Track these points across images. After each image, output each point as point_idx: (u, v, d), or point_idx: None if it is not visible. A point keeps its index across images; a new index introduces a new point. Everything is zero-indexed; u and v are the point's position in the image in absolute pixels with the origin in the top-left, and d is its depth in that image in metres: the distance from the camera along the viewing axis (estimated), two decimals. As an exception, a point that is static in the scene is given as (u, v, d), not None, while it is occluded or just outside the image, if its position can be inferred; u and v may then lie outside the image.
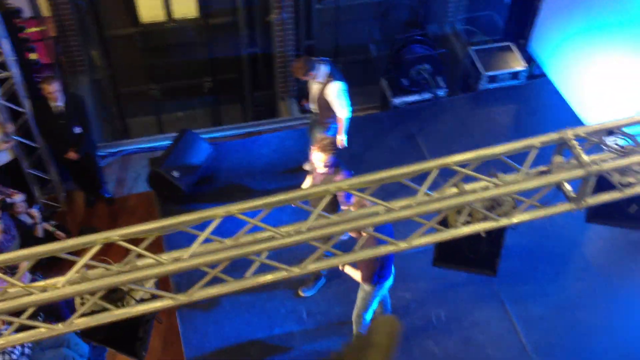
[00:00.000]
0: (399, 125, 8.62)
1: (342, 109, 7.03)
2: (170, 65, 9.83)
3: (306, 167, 7.87)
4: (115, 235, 3.33)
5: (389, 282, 5.87)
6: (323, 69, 6.91)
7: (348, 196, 5.87)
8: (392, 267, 5.81)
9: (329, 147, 5.98)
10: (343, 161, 7.80)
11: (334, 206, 6.02)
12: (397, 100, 8.93)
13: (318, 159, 6.04)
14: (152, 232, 3.41)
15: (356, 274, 5.69)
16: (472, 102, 9.06)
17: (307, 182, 6.54)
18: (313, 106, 7.31)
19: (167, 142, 8.09)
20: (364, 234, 3.73)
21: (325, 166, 6.05)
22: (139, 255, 3.42)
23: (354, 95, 9.10)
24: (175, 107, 10.31)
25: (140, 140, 9.28)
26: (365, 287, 5.79)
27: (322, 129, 7.26)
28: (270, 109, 10.22)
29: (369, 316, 6.05)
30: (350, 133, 7.53)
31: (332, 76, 6.95)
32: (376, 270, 5.57)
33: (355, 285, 6.80)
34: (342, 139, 7.22)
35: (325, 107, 7.06)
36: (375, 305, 6.00)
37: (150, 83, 9.65)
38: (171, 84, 9.91)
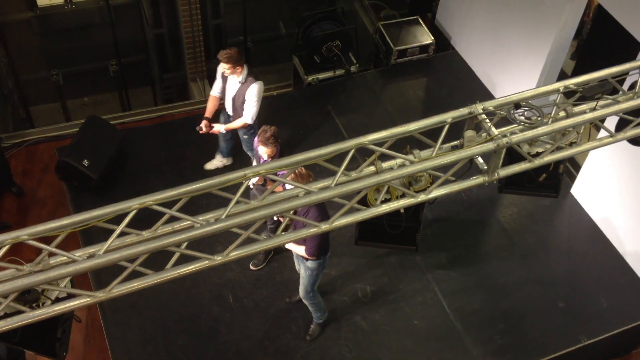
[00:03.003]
0: (314, 102, 8.62)
1: (251, 113, 6.80)
2: (72, 49, 9.41)
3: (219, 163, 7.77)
4: (24, 234, 3.19)
5: (327, 256, 5.83)
6: (246, 68, 6.72)
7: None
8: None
9: (271, 139, 5.86)
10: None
11: None
12: (311, 78, 8.91)
13: (263, 152, 5.96)
14: (63, 229, 3.28)
15: (300, 249, 5.58)
16: (384, 76, 9.16)
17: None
18: (227, 105, 7.02)
19: (74, 130, 7.77)
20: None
21: (270, 158, 5.97)
22: (52, 253, 3.29)
23: (267, 74, 9.02)
24: (80, 93, 9.92)
25: (45, 129, 8.90)
26: (309, 264, 5.72)
27: (243, 131, 7.12)
28: (181, 91, 9.98)
29: (316, 294, 6.06)
30: (266, 112, 7.47)
31: (252, 76, 6.72)
32: (320, 244, 5.50)
33: (279, 266, 6.83)
34: (219, 128, 7.02)
35: (241, 107, 6.86)
36: (319, 279, 5.98)
37: (52, 68, 9.21)
38: (74, 68, 9.50)
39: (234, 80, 6.76)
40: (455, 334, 6.47)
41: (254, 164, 6.47)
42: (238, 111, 6.90)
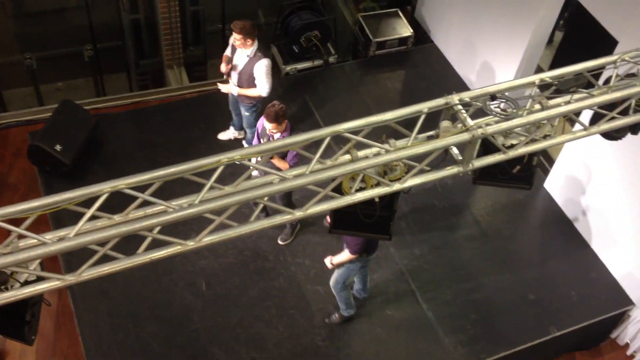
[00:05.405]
0: (292, 92, 8.58)
1: (266, 87, 6.87)
2: (47, 33, 9.26)
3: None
4: (-7, 216, 3.13)
5: (372, 257, 5.88)
6: (256, 44, 6.79)
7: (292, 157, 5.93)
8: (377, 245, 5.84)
9: (280, 114, 5.91)
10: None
11: None
12: (289, 67, 8.87)
13: (270, 127, 6.00)
14: (34, 211, 3.23)
15: (344, 255, 5.72)
16: (362, 68, 9.15)
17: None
18: (233, 77, 7.03)
19: (47, 115, 7.66)
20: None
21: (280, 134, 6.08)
22: (21, 236, 3.24)
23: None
24: (54, 77, 9.75)
25: (18, 113, 8.76)
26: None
27: (246, 108, 7.19)
28: (157, 77, 9.87)
29: (346, 288, 6.09)
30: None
31: (261, 52, 6.81)
32: (362, 244, 5.57)
33: (252, 255, 6.81)
34: (232, 90, 7.05)
35: (247, 82, 6.91)
36: (352, 278, 6.05)
37: (26, 52, 9.05)
38: (48, 52, 9.34)
39: (242, 54, 6.83)
40: (427, 324, 6.51)
41: (254, 142, 6.64)
42: (243, 84, 6.97)
